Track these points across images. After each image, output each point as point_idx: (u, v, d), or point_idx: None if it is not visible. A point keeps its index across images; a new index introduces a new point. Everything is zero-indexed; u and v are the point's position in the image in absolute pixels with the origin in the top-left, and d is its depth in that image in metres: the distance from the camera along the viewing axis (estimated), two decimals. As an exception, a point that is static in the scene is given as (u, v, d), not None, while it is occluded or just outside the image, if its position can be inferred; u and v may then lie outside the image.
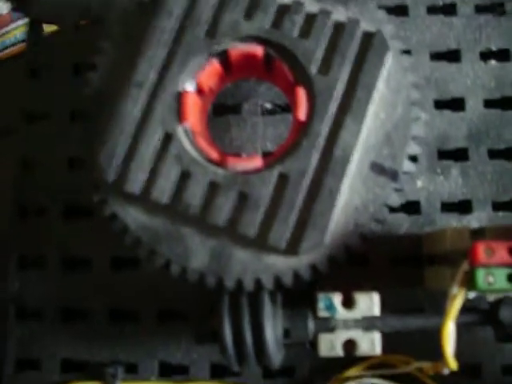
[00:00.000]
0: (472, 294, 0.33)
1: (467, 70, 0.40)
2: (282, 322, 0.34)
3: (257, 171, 0.34)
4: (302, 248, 0.33)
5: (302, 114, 0.34)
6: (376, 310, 0.34)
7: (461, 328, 0.37)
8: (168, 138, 0.34)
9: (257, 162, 0.34)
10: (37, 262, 0.40)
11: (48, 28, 0.44)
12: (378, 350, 0.34)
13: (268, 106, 0.40)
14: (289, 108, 0.39)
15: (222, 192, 0.33)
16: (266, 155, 0.35)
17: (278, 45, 0.34)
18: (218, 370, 0.39)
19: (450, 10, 0.41)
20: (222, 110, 0.40)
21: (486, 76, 0.40)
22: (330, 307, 0.34)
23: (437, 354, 0.32)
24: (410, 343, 0.36)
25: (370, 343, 0.34)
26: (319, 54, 0.34)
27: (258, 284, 0.34)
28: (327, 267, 0.33)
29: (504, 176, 0.39)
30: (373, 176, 0.34)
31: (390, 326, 0.34)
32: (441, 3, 0.42)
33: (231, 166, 0.34)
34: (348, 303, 0.34)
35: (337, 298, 0.34)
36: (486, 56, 0.40)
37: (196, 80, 0.35)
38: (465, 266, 0.31)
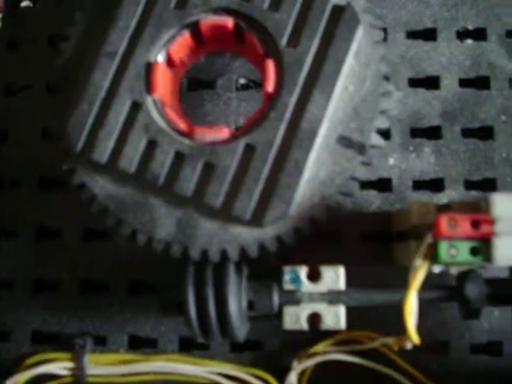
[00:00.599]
0: (437, 268, 0.33)
1: (443, 49, 0.40)
2: (247, 294, 0.34)
3: (224, 142, 0.34)
4: (266, 219, 0.33)
5: (270, 86, 0.34)
6: (341, 284, 0.34)
7: (429, 306, 0.38)
8: (136, 108, 0.34)
9: (224, 133, 0.34)
10: (9, 233, 0.40)
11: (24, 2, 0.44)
12: (342, 323, 0.34)
13: (242, 81, 0.40)
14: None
15: (188, 162, 0.33)
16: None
17: (249, 17, 0.34)
18: (186, 344, 0.39)
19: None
20: (197, 84, 0.40)
21: (461, 55, 0.40)
22: (296, 280, 0.34)
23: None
24: (378, 319, 0.36)
25: (335, 317, 0.34)
26: (289, 26, 0.34)
27: (224, 255, 0.34)
28: (293, 239, 0.33)
29: (477, 155, 0.39)
30: (340, 149, 0.34)
31: (355, 299, 0.34)
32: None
33: (199, 136, 0.34)
34: (314, 277, 0.34)
35: (302, 272, 0.34)
36: (462, 35, 0.40)
37: (166, 51, 0.35)
38: (429, 239, 0.31)
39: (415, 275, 0.31)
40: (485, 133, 0.39)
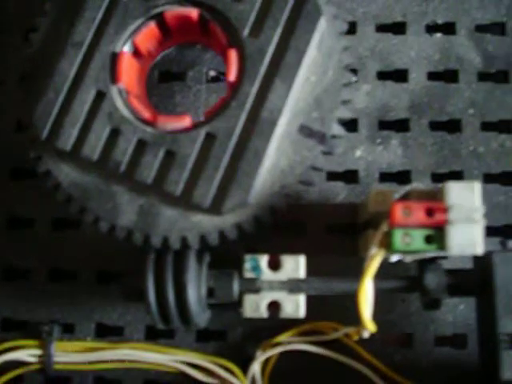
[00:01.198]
0: (394, 258, 0.33)
1: (412, 42, 0.40)
2: (207, 282, 0.35)
3: (185, 131, 0.34)
4: (225, 206, 0.33)
5: (232, 75, 0.34)
6: (301, 273, 0.34)
7: (394, 298, 0.38)
8: (100, 97, 0.35)
9: (186, 121, 0.34)
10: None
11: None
12: (301, 312, 0.34)
13: (212, 73, 0.41)
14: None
15: (150, 150, 0.34)
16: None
17: (213, 7, 0.35)
18: (152, 332, 0.39)
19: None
20: (168, 76, 0.41)
21: (430, 48, 0.40)
22: (256, 268, 0.35)
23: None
24: (341, 310, 0.36)
25: (295, 305, 0.34)
26: (251, 17, 0.34)
27: (184, 242, 0.34)
28: (253, 227, 0.34)
29: (444, 148, 0.39)
30: (301, 138, 0.34)
31: (314, 288, 0.34)
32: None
33: (161, 125, 0.34)
34: (275, 265, 0.35)
35: (263, 260, 0.35)
36: (431, 29, 0.40)
37: (133, 42, 0.36)
38: (384, 227, 0.31)
39: (370, 263, 0.31)
40: (452, 126, 0.39)
